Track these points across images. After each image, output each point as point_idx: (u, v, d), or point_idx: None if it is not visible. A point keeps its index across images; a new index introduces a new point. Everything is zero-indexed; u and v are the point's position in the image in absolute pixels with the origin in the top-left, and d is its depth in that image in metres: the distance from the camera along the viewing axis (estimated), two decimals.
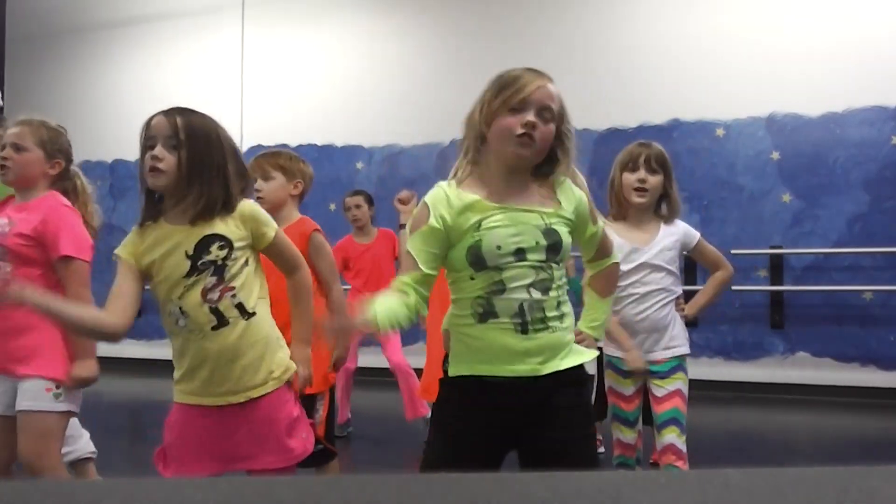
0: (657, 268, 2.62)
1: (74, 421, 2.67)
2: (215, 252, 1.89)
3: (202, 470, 1.91)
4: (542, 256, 1.72)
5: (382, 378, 5.58)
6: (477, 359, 1.76)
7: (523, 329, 1.72)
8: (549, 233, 1.74)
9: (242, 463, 1.95)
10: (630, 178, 2.59)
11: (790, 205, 6.34)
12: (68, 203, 2.53)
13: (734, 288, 6.39)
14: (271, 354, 1.96)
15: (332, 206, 7.55)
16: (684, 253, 2.78)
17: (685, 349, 2.75)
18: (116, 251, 1.97)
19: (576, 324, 1.90)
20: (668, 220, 2.67)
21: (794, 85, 6.34)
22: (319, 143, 7.84)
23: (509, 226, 1.72)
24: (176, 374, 1.97)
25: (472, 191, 1.75)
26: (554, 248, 1.74)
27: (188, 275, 1.88)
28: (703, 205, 6.59)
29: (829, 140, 6.27)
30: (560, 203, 1.79)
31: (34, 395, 2.38)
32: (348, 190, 8.18)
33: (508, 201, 1.75)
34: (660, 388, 2.68)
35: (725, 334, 6.48)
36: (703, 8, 6.72)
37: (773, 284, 6.33)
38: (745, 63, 6.49)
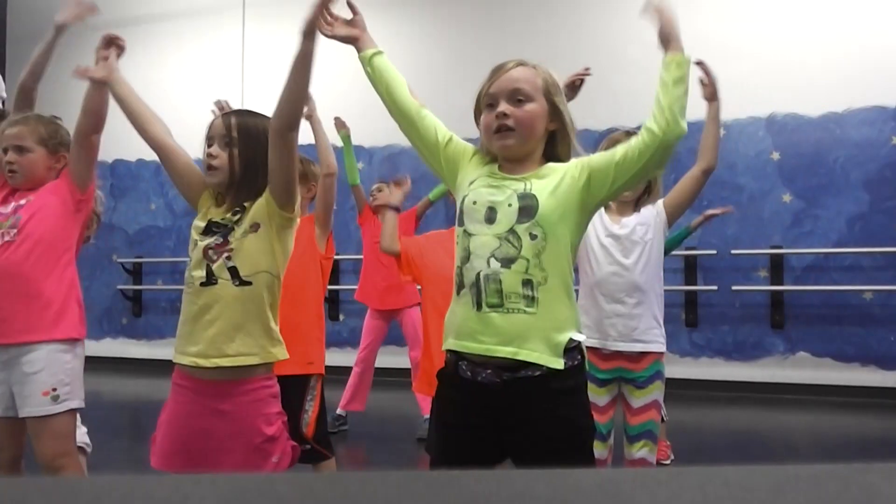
0: (632, 242, 2.57)
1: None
2: (229, 216, 1.94)
3: (175, 466, 1.91)
4: (513, 218, 1.68)
5: (382, 378, 5.58)
6: (452, 331, 1.76)
7: (478, 304, 1.68)
8: (525, 196, 1.70)
9: (210, 467, 1.90)
10: None
11: (790, 205, 6.35)
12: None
13: (734, 288, 6.40)
14: (252, 331, 1.90)
15: (333, 206, 7.55)
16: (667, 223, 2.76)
17: (660, 346, 2.56)
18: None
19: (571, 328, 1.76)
20: (646, 205, 2.63)
21: (793, 85, 6.34)
22: None
23: (491, 186, 1.75)
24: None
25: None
26: (526, 211, 1.68)
27: (204, 233, 1.95)
28: (703, 205, 6.57)
29: (829, 140, 6.27)
30: (548, 170, 1.75)
31: (34, 402, 2.36)
32: (349, 190, 8.21)
33: (507, 170, 1.78)
34: (636, 399, 2.53)
35: (725, 334, 6.48)
36: (703, 8, 6.72)
37: (773, 284, 6.34)
38: (746, 63, 6.49)
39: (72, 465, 2.41)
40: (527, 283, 1.66)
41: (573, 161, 1.76)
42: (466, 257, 1.72)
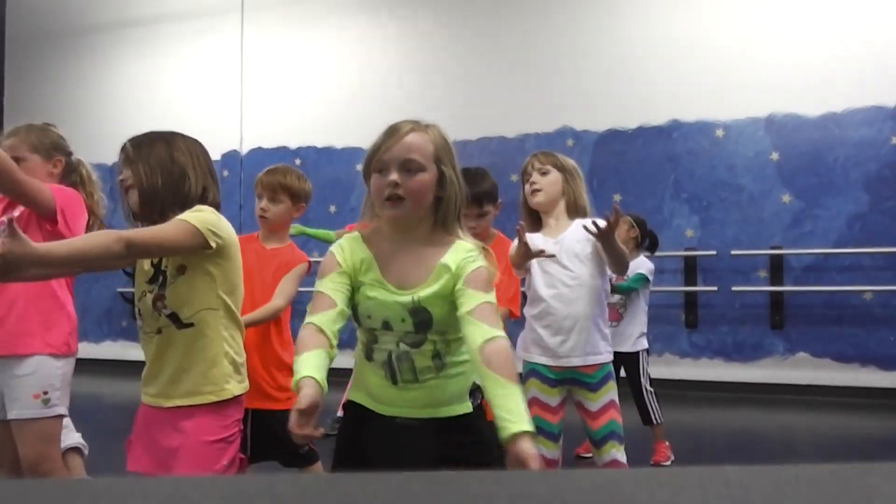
0: (572, 259, 2.59)
1: (67, 418, 2.67)
2: (164, 262, 1.94)
3: (145, 469, 1.96)
4: (410, 329, 1.71)
5: None
6: (365, 392, 1.82)
7: (393, 380, 1.74)
8: (417, 311, 1.71)
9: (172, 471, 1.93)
10: (526, 187, 2.70)
11: (790, 205, 6.35)
12: (71, 189, 2.54)
13: (734, 289, 6.41)
14: (200, 370, 1.92)
15: (333, 208, 7.56)
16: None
17: (610, 356, 2.66)
18: None
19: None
20: (578, 216, 2.67)
21: (793, 85, 6.35)
22: (319, 146, 7.85)
23: (379, 301, 1.72)
24: None
25: (370, 244, 1.76)
26: (422, 325, 1.71)
27: (150, 280, 1.96)
28: (702, 206, 6.59)
29: (828, 140, 6.27)
30: (439, 270, 1.71)
31: (23, 404, 2.36)
32: (349, 192, 8.18)
33: (390, 270, 1.73)
34: (592, 402, 2.57)
35: (725, 335, 6.48)
36: (704, 9, 6.73)
37: (773, 285, 6.34)
38: (745, 64, 6.50)
39: (57, 469, 2.41)
40: (436, 355, 1.74)
41: (460, 263, 1.70)
42: (374, 340, 1.75)
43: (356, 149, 7.76)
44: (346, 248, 1.76)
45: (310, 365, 1.58)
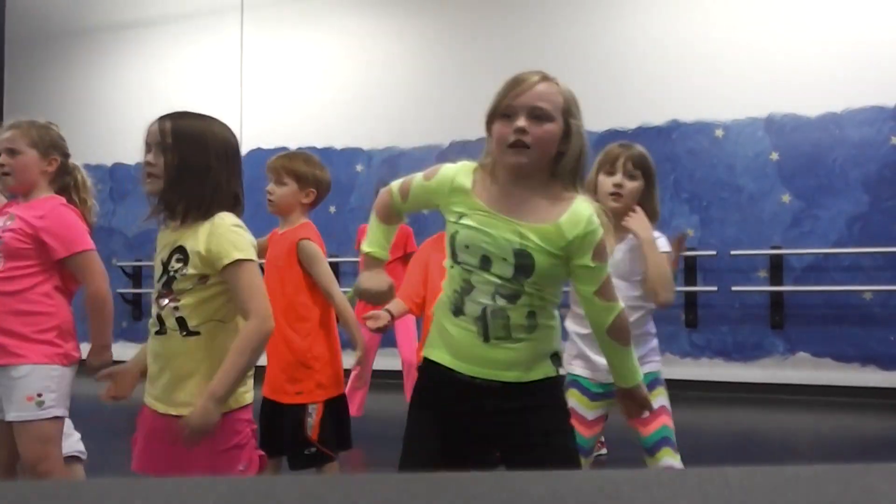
0: (617, 280, 2.33)
1: (66, 420, 2.67)
2: (173, 263, 1.88)
3: (147, 470, 1.94)
4: (509, 273, 1.68)
5: (384, 380, 5.58)
6: (448, 349, 1.78)
7: (485, 337, 1.71)
8: (521, 254, 1.67)
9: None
10: (606, 182, 2.39)
11: (790, 205, 6.35)
12: (66, 203, 2.56)
13: (734, 289, 6.41)
14: (201, 380, 1.85)
15: (333, 209, 7.55)
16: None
17: (659, 365, 2.50)
18: None
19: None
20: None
21: (792, 85, 6.35)
22: (319, 146, 7.84)
23: (484, 230, 1.70)
24: None
25: (483, 183, 1.75)
26: (523, 270, 1.68)
27: (160, 279, 1.93)
28: (702, 206, 6.59)
29: (828, 140, 6.27)
30: (556, 229, 1.68)
31: (18, 406, 2.37)
32: (348, 192, 8.19)
33: (500, 207, 1.71)
34: None
35: (725, 335, 6.49)
36: (703, 9, 6.73)
37: (772, 285, 6.34)
38: (744, 64, 6.50)
39: (56, 470, 2.41)
40: (531, 314, 1.72)
41: (580, 234, 1.69)
42: (468, 289, 1.72)
43: (356, 149, 7.76)
44: (458, 169, 1.79)
45: (386, 242, 1.94)
